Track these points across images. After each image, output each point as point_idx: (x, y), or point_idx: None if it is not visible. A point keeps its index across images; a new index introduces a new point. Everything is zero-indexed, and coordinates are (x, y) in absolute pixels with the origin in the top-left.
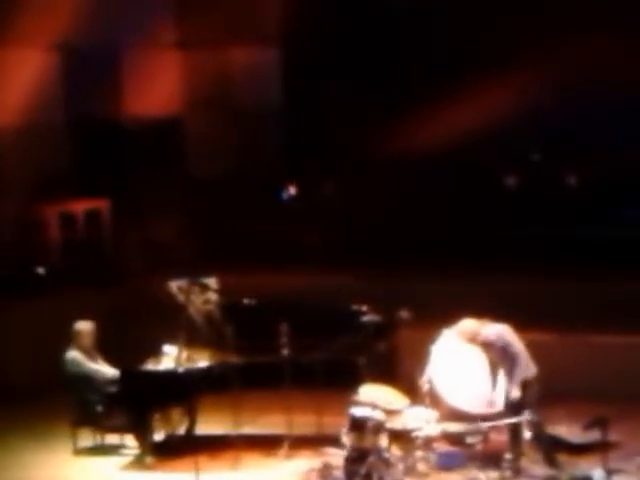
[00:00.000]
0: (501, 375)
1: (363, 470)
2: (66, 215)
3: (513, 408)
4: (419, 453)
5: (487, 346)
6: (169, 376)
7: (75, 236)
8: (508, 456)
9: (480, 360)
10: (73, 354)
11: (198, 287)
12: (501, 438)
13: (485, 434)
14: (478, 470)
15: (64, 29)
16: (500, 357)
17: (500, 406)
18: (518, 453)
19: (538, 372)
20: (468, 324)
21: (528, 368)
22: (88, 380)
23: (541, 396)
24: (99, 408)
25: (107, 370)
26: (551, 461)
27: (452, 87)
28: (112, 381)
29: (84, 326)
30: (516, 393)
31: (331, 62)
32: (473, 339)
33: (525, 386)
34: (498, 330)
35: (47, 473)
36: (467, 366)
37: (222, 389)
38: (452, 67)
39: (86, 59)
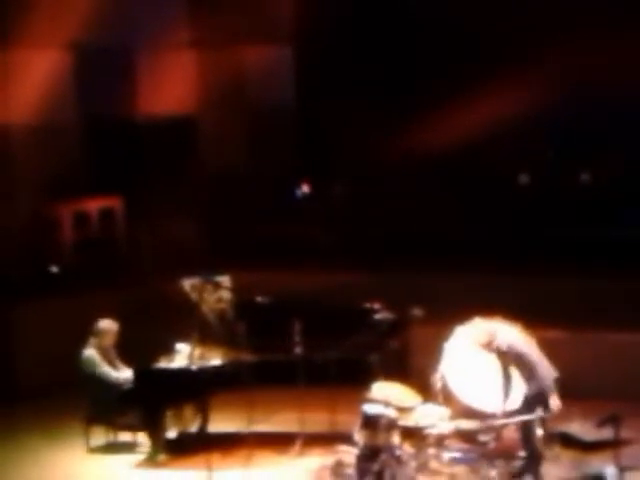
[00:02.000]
0: (516, 374)
1: (375, 467)
2: (80, 214)
3: (524, 409)
4: (431, 450)
5: (501, 354)
6: (182, 374)
7: (89, 235)
8: (522, 454)
9: (493, 360)
10: (90, 353)
11: (211, 285)
12: (514, 436)
13: (498, 432)
14: (490, 468)
15: (78, 28)
16: (516, 364)
17: (513, 404)
18: (536, 451)
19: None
20: (482, 331)
21: (546, 377)
22: (101, 380)
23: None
24: (112, 406)
25: (118, 374)
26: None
27: (466, 86)
28: (123, 384)
29: (109, 325)
30: (554, 401)
31: (344, 61)
32: (486, 346)
33: (541, 393)
34: (510, 340)
35: (61, 471)
36: (480, 363)
37: (235, 387)
38: (466, 66)
39: (100, 58)
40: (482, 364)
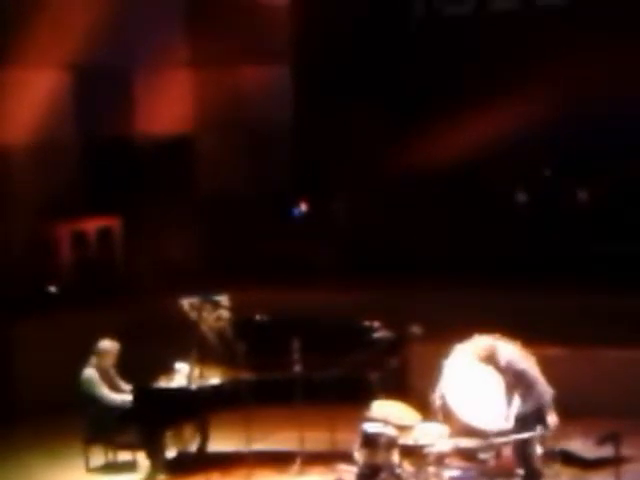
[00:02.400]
0: (515, 394)
1: None
2: (78, 233)
3: (522, 427)
4: (431, 469)
5: (500, 370)
6: (181, 393)
7: (87, 254)
8: (520, 471)
9: (493, 376)
10: (89, 373)
11: (210, 304)
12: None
13: (498, 450)
14: None
15: (76, 48)
16: (514, 381)
17: (511, 422)
18: (535, 470)
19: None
20: (482, 346)
21: (543, 394)
22: (100, 400)
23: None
24: (111, 425)
25: (116, 396)
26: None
27: (462, 103)
28: (121, 406)
29: (110, 345)
30: (552, 418)
31: (342, 80)
32: (486, 360)
33: (539, 410)
34: (509, 358)
35: None
36: (480, 382)
37: (234, 406)
38: (464, 83)
39: (98, 78)
40: (481, 378)
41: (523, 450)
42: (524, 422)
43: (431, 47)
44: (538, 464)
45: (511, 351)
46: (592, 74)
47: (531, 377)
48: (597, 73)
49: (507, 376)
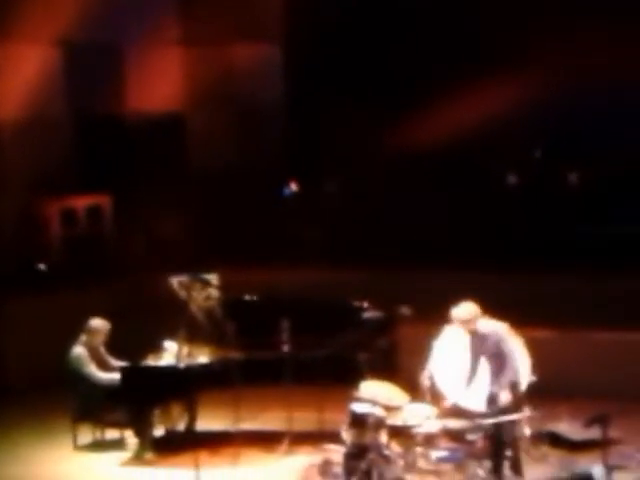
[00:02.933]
0: (486, 374)
1: (363, 466)
2: (67, 211)
3: (496, 409)
4: (419, 449)
5: (481, 339)
6: (169, 372)
7: (76, 232)
8: (487, 463)
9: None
10: (78, 351)
11: (199, 283)
12: None
13: (485, 431)
14: (478, 467)
15: (66, 24)
16: (491, 354)
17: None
18: (517, 451)
19: (538, 369)
20: (464, 308)
21: (518, 372)
22: (88, 378)
23: (543, 392)
24: (99, 404)
25: (103, 375)
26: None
27: (453, 85)
28: (108, 385)
29: (101, 324)
30: (505, 396)
31: (333, 59)
32: (467, 324)
33: (513, 388)
34: (495, 326)
35: (47, 469)
36: (468, 363)
37: (222, 385)
38: (453, 65)
39: (88, 55)
40: (469, 360)
41: (498, 436)
42: (491, 404)
43: (423, 27)
44: (510, 459)
45: (495, 323)
46: (585, 57)
47: (508, 348)
48: (590, 56)
49: (485, 348)
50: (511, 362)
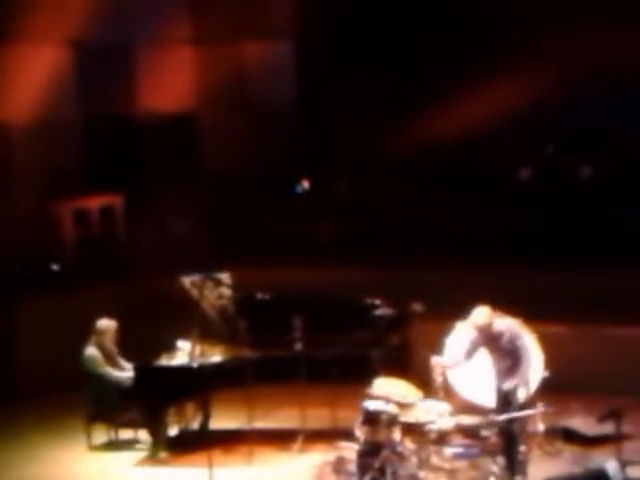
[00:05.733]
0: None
1: (377, 464)
2: (80, 211)
3: (514, 405)
4: (433, 446)
5: (496, 337)
6: (183, 371)
7: (89, 232)
8: (501, 460)
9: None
10: (91, 351)
11: (211, 282)
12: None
13: (499, 427)
14: (492, 463)
15: (78, 25)
16: (506, 351)
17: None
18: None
19: (551, 365)
20: (481, 313)
21: (532, 369)
22: (102, 378)
23: (556, 388)
24: (113, 404)
25: (118, 374)
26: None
27: (466, 81)
28: (123, 383)
29: (108, 324)
30: (521, 392)
31: (344, 56)
32: (485, 328)
33: (526, 384)
34: (509, 323)
35: (62, 469)
36: (481, 359)
37: (236, 384)
38: (466, 61)
39: (100, 55)
40: (483, 359)
41: (510, 432)
42: (507, 400)
43: (435, 23)
44: (522, 455)
45: (509, 320)
46: (595, 50)
47: (523, 344)
48: (600, 49)
49: (500, 346)
50: (527, 358)
